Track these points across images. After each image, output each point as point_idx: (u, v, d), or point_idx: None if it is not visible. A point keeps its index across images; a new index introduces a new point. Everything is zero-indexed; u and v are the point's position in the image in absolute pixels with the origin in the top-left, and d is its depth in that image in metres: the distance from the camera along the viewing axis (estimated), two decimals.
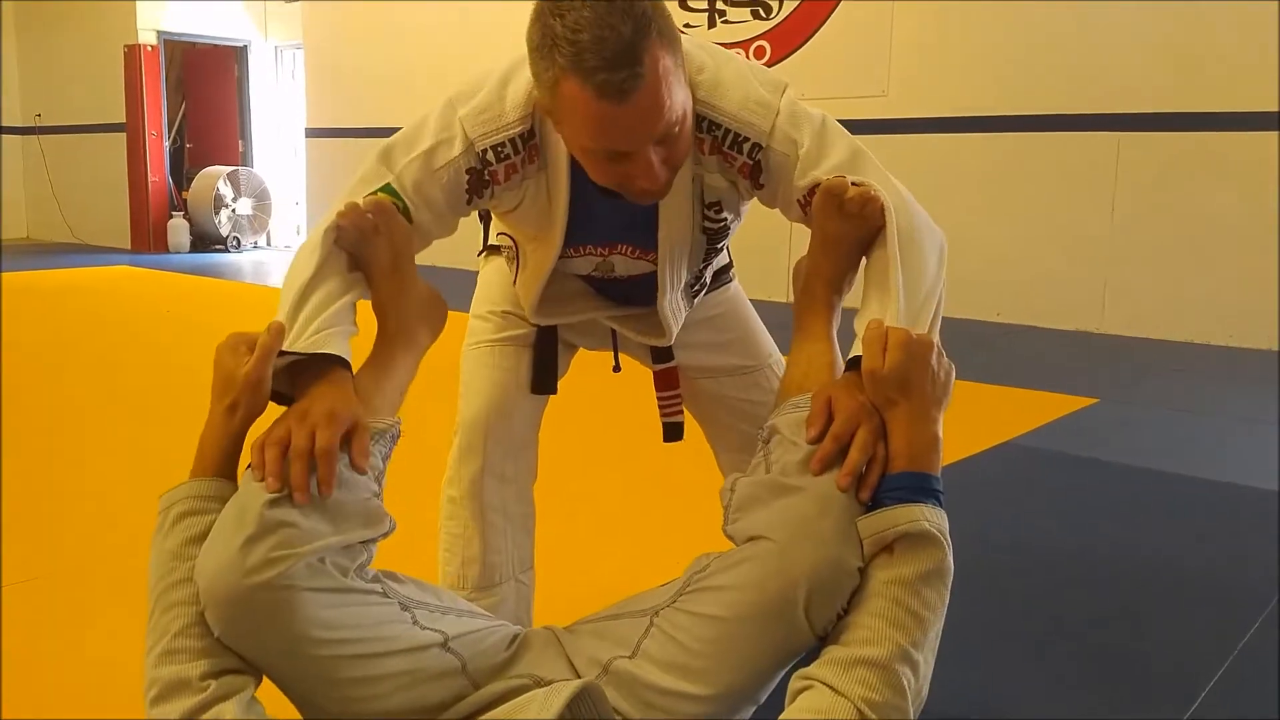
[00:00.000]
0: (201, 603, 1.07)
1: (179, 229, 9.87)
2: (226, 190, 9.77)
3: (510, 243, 1.54)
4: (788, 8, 6.40)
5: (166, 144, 10.05)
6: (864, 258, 1.32)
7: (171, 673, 1.05)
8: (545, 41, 1.12)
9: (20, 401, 3.75)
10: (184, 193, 10.11)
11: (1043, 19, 5.46)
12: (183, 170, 10.50)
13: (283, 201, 10.35)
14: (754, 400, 1.67)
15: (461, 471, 1.59)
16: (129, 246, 10.07)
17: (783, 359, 1.73)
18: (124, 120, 9.95)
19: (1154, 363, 4.75)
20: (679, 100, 1.18)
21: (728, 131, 1.30)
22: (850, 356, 1.21)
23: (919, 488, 1.11)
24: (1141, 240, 5.28)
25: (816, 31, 6.29)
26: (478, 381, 1.60)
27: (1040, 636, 1.95)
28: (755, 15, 6.53)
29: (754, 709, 1.16)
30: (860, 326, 1.21)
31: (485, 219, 1.68)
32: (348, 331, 1.25)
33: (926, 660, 1.05)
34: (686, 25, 6.72)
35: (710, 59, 1.32)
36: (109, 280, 7.76)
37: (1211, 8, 4.95)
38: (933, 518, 1.08)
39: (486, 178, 1.33)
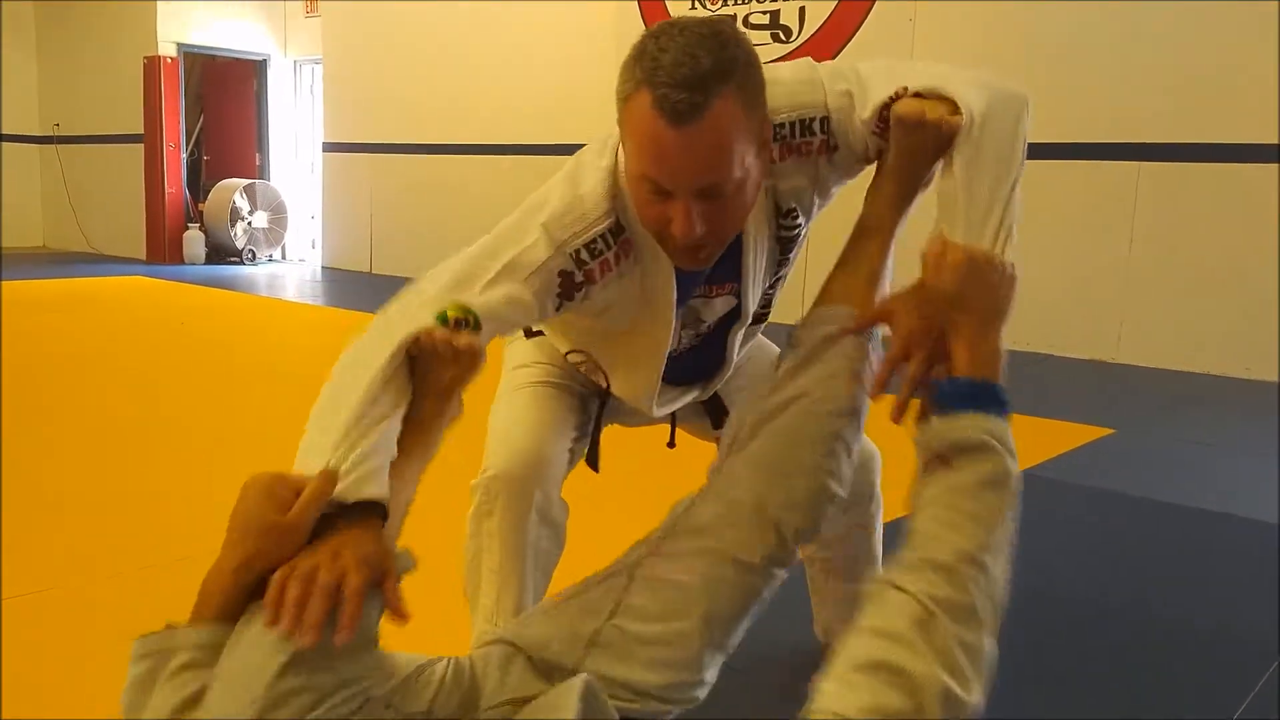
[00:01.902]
0: None
1: (194, 240, 9.92)
2: (243, 203, 9.81)
3: (586, 358, 1.54)
4: (808, 31, 6.40)
5: (184, 156, 10.11)
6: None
7: None
8: (634, 57, 1.17)
9: (31, 410, 3.75)
10: (200, 204, 10.17)
11: (1062, 47, 5.45)
12: (200, 182, 10.55)
13: (299, 215, 10.39)
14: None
15: (504, 515, 1.53)
16: (144, 257, 10.11)
17: None
18: (142, 131, 10.01)
19: (1170, 394, 4.70)
20: (738, 160, 1.18)
21: (793, 124, 1.33)
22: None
23: (979, 394, 1.11)
24: (1159, 271, 5.25)
25: (836, 55, 6.29)
26: (524, 421, 1.57)
27: (1057, 671, 1.92)
28: (775, 38, 6.53)
29: (723, 658, 1.16)
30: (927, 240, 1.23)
31: None
32: (386, 467, 1.13)
33: (996, 562, 1.04)
34: None
35: None
36: (123, 290, 7.78)
37: (1234, 39, 4.93)
38: (991, 426, 1.09)
39: (580, 279, 1.30)
